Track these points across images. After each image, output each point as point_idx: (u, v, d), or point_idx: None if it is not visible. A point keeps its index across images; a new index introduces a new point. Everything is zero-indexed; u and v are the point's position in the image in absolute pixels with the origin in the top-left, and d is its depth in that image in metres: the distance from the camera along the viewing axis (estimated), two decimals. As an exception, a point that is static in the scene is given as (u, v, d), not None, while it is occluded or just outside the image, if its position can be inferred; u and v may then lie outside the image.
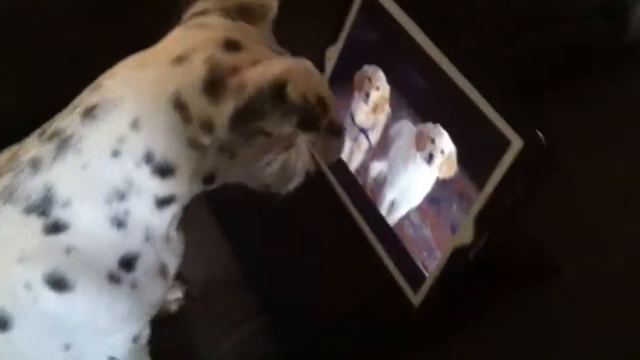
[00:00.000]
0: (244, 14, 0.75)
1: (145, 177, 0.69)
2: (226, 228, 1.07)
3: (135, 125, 0.68)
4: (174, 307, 1.01)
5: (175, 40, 0.72)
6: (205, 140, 0.69)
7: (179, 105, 0.68)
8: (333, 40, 1.07)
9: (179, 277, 0.99)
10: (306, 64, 0.68)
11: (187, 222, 0.79)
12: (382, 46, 1.00)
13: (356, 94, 1.04)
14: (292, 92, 0.65)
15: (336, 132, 0.71)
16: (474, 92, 0.86)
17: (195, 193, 0.75)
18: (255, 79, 0.66)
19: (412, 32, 0.94)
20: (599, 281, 0.91)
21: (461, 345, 0.91)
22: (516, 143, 0.82)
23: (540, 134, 0.80)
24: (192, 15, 0.75)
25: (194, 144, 0.69)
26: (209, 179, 0.73)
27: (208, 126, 0.68)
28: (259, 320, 0.98)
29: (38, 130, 0.72)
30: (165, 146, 0.68)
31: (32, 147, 0.71)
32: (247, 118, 0.67)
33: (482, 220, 0.86)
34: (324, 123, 0.68)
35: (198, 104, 0.67)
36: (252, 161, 0.75)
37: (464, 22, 0.99)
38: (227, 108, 0.67)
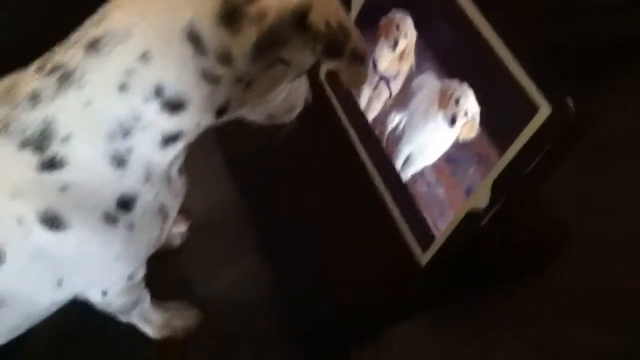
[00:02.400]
0: None
1: (154, 112, 0.66)
2: (232, 165, 1.05)
3: (145, 58, 0.65)
4: (177, 241, 1.00)
5: None
6: (222, 71, 0.66)
7: (193, 36, 0.65)
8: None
9: (184, 211, 0.97)
10: None
11: (192, 156, 0.76)
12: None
13: (382, 39, 0.99)
14: (315, 19, 0.65)
15: (360, 58, 0.70)
16: (506, 51, 0.82)
17: (202, 129, 0.72)
18: (276, 6, 0.64)
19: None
20: (610, 260, 0.88)
21: (462, 311, 0.89)
22: (544, 109, 0.78)
23: (571, 103, 0.76)
24: None
25: (208, 76, 0.66)
26: (220, 112, 0.70)
27: (225, 57, 0.66)
28: (257, 259, 0.97)
29: (36, 64, 0.69)
30: (177, 79, 0.66)
31: (30, 80, 0.67)
32: (268, 47, 0.66)
33: (500, 186, 0.83)
34: (348, 50, 0.67)
35: (214, 35, 0.65)
36: (266, 91, 0.73)
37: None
38: (247, 38, 0.65)
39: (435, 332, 0.89)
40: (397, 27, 0.96)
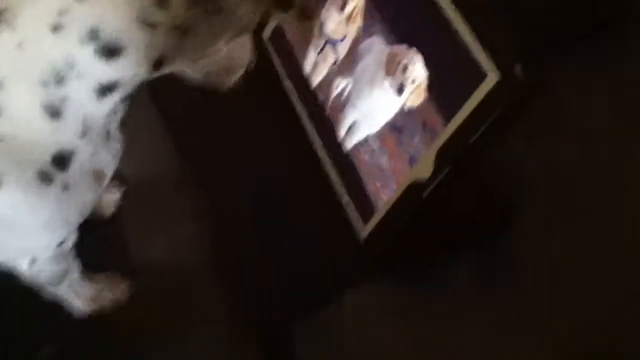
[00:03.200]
0: None
1: (89, 57, 0.63)
2: (170, 124, 1.01)
3: None
4: (111, 210, 0.96)
5: None
6: (158, 17, 0.63)
7: None
8: None
9: (119, 176, 0.94)
10: None
11: (129, 115, 0.73)
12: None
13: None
14: None
15: (307, 15, 0.70)
16: (456, 14, 0.78)
17: (140, 80, 0.68)
18: None
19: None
20: (549, 240, 0.85)
21: (406, 282, 0.86)
22: (492, 77, 0.75)
23: (520, 72, 0.73)
24: None
25: (144, 21, 0.63)
26: (157, 63, 0.67)
27: (163, 1, 0.62)
28: (196, 223, 0.94)
29: None
30: (113, 23, 0.62)
31: None
32: None
33: (443, 156, 0.80)
34: (298, 4, 0.66)
35: None
36: (204, 44, 0.70)
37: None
38: None
39: (379, 303, 0.87)
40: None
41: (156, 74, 0.69)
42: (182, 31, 0.65)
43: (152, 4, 0.62)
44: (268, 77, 0.99)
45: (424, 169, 0.81)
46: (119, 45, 0.63)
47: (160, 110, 1.01)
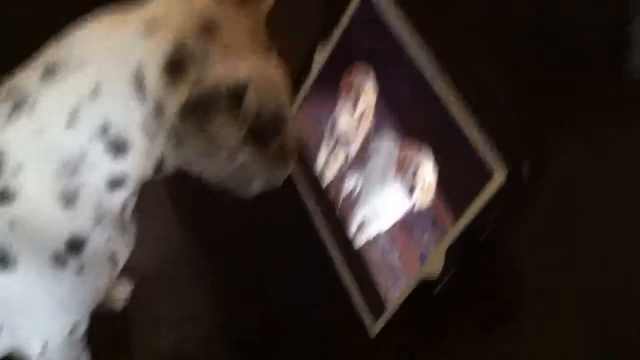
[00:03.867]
0: None
1: (99, 152, 0.64)
2: (185, 218, 1.02)
3: (95, 92, 0.63)
4: (119, 306, 0.95)
5: (152, 6, 0.66)
6: (156, 123, 0.64)
7: (139, 80, 0.63)
8: (326, 34, 1.00)
9: (131, 270, 0.94)
10: (276, 75, 0.64)
11: (142, 210, 0.74)
12: (375, 52, 0.94)
13: (343, 99, 0.97)
14: (250, 102, 0.61)
15: (284, 158, 0.66)
16: (464, 115, 0.80)
17: (147, 178, 0.69)
18: (217, 75, 0.62)
19: (407, 44, 0.88)
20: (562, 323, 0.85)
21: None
22: (499, 174, 0.76)
23: (525, 169, 0.74)
24: None
25: (147, 124, 0.64)
26: (157, 166, 0.68)
27: (159, 109, 0.63)
28: (206, 320, 0.93)
29: None
30: (122, 121, 0.64)
31: None
32: (196, 113, 0.62)
33: (454, 253, 0.80)
34: (274, 144, 0.64)
35: (155, 83, 0.63)
36: (199, 157, 0.69)
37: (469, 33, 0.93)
38: (181, 95, 0.62)
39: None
40: (359, 87, 0.94)
41: (161, 175, 0.69)
42: (175, 140, 0.65)
43: (153, 109, 0.63)
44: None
45: (435, 266, 0.81)
46: (126, 142, 0.65)
47: (174, 204, 1.02)
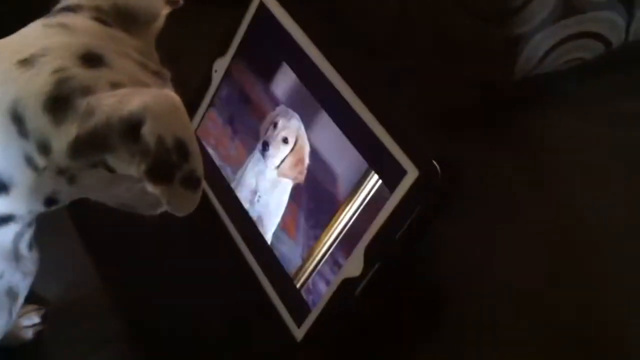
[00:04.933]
0: (124, 18, 0.66)
1: None
2: (89, 242, 0.99)
3: None
4: (29, 334, 0.92)
5: (28, 37, 0.63)
6: (42, 161, 0.60)
7: (16, 117, 0.59)
8: (222, 52, 1.01)
9: (38, 299, 0.90)
10: (172, 100, 0.58)
11: (44, 234, 0.71)
12: (274, 61, 0.95)
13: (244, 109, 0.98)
14: (148, 133, 0.56)
15: (193, 186, 0.60)
16: (372, 118, 0.82)
17: (38, 212, 0.66)
18: (107, 107, 0.57)
19: (306, 48, 0.89)
20: (489, 320, 0.89)
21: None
22: (412, 173, 0.78)
23: (437, 164, 0.77)
24: (60, 10, 0.65)
25: (30, 162, 0.60)
26: (49, 201, 0.64)
27: (45, 147, 0.59)
28: (123, 343, 0.91)
29: None
30: (1, 160, 0.60)
31: None
32: (88, 149, 0.58)
33: (372, 252, 0.82)
34: (180, 175, 0.58)
35: (36, 120, 0.59)
36: (96, 190, 0.67)
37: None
38: (68, 132, 0.58)
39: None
40: (260, 98, 0.95)
41: (54, 208, 0.66)
42: (69, 177, 0.62)
43: (36, 147, 0.59)
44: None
45: (355, 267, 0.83)
46: (5, 182, 0.61)
47: (79, 230, 0.99)
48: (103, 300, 0.95)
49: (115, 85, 0.59)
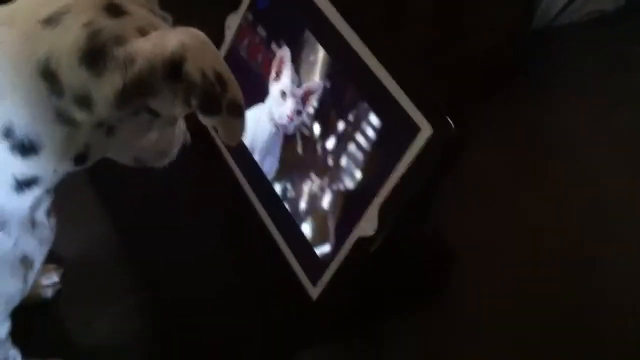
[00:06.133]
0: None
1: (3, 154, 0.60)
2: (105, 199, 0.99)
3: None
4: (49, 293, 0.93)
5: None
6: (80, 116, 0.60)
7: (48, 75, 0.59)
8: (234, 6, 1.00)
9: (56, 258, 0.92)
10: (203, 36, 0.60)
11: (62, 193, 0.71)
12: (288, 18, 0.93)
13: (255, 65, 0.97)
14: (191, 69, 0.58)
15: (238, 112, 0.63)
16: (386, 75, 0.81)
17: (62, 175, 0.66)
18: (147, 52, 0.58)
19: (321, 5, 0.88)
20: (496, 274, 0.89)
21: (360, 341, 0.87)
22: (425, 130, 0.78)
23: (451, 122, 0.76)
24: None
25: (64, 119, 0.60)
26: (79, 158, 0.64)
27: (84, 101, 0.60)
28: (137, 296, 0.92)
29: None
30: (28, 120, 0.60)
31: None
32: (134, 96, 0.59)
33: (387, 211, 0.81)
34: (225, 103, 0.61)
35: (73, 75, 0.59)
36: (132, 139, 0.68)
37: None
38: (111, 82, 0.59)
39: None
40: (276, 55, 0.94)
41: (79, 168, 0.66)
42: (107, 129, 0.63)
43: (73, 103, 0.60)
44: (205, 143, 1.00)
45: (369, 225, 0.82)
46: (34, 142, 0.61)
47: (96, 190, 0.99)
48: (119, 254, 0.96)
49: (141, 31, 0.60)
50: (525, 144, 1.01)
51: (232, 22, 1.01)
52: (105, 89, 0.59)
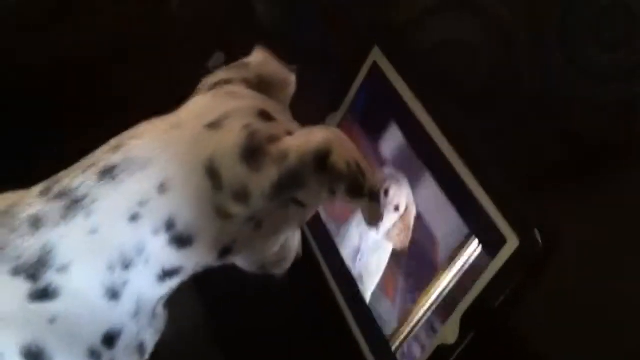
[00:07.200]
0: (264, 87, 0.74)
1: (160, 246, 0.65)
2: (209, 309, 1.02)
3: (162, 188, 0.64)
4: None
5: (205, 106, 0.70)
6: (235, 209, 0.65)
7: (212, 172, 0.65)
8: (335, 107, 1.04)
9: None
10: (341, 133, 0.68)
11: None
12: (384, 120, 0.96)
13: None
14: (337, 160, 0.65)
15: (377, 198, 0.70)
16: (476, 184, 0.82)
17: (202, 268, 0.70)
18: (297, 147, 0.65)
19: (414, 109, 0.90)
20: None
21: None
22: (512, 242, 0.77)
23: (539, 235, 0.75)
24: (215, 84, 0.73)
25: (220, 213, 0.65)
26: (224, 252, 0.69)
27: (242, 195, 0.65)
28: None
29: (39, 187, 0.67)
30: (191, 215, 0.65)
31: (33, 203, 0.65)
32: (288, 187, 0.65)
33: (469, 320, 0.80)
34: (366, 190, 0.68)
35: (234, 172, 0.64)
36: (272, 234, 0.73)
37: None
38: (267, 175, 0.64)
39: None
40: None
41: (220, 263, 0.70)
42: (256, 222, 0.68)
43: (231, 197, 0.65)
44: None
45: (450, 333, 0.81)
46: (192, 235, 0.65)
47: (200, 293, 1.01)
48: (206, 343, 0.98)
49: (289, 133, 0.68)
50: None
51: (332, 121, 1.04)
52: (262, 182, 0.64)
